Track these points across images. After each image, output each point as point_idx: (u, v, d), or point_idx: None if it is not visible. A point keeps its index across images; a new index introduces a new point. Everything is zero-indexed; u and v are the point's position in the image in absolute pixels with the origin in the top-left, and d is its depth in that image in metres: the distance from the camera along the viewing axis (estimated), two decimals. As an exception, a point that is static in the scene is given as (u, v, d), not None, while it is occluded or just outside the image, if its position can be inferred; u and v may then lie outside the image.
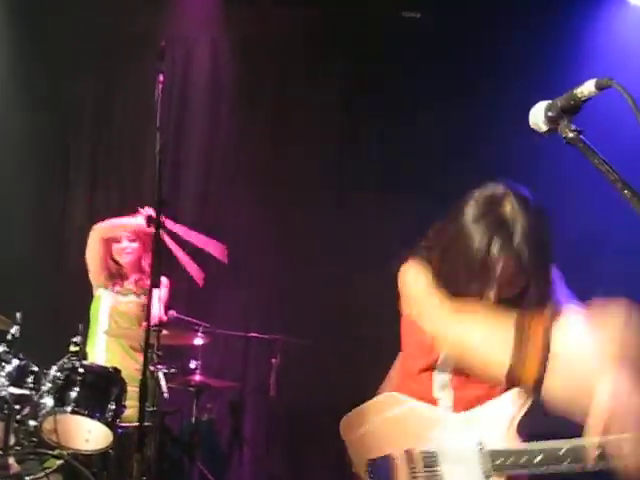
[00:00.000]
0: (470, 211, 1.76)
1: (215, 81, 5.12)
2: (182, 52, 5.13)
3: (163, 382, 3.18)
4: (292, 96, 5.06)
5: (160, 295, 3.87)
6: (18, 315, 3.19)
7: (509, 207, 1.72)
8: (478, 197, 1.79)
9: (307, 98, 5.02)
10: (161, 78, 3.17)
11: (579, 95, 1.23)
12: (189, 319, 4.06)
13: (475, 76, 4.71)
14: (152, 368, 3.22)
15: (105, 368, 3.42)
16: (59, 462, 3.20)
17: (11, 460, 3.01)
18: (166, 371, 3.24)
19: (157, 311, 3.74)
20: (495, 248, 1.70)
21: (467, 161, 4.40)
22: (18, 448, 3.20)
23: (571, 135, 1.23)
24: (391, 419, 2.05)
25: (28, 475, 3.03)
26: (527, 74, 4.55)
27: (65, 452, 3.22)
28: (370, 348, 4.58)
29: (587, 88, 1.21)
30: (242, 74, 5.12)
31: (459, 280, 1.80)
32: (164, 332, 3.48)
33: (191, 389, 3.79)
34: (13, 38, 5.17)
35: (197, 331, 3.81)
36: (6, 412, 3.02)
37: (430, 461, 1.87)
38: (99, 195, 5.14)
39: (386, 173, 4.92)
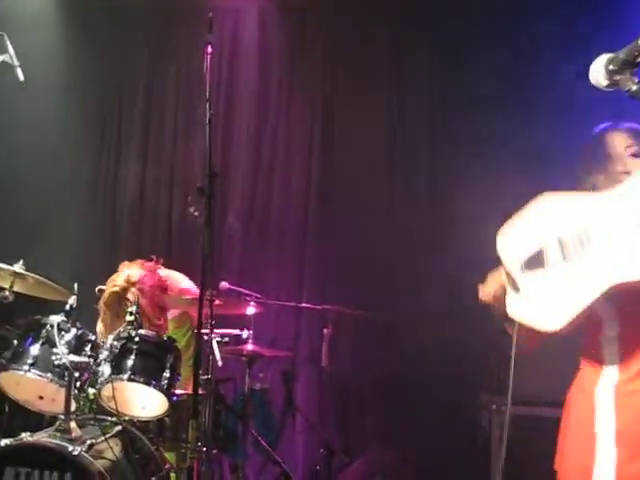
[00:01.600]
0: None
1: (263, 52, 5.10)
2: (230, 23, 5.11)
3: (217, 350, 3.21)
4: (341, 66, 5.01)
5: None
6: (75, 286, 3.27)
7: None
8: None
9: (357, 67, 4.95)
10: (209, 50, 3.17)
11: (643, 45, 1.18)
12: (241, 290, 4.09)
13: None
14: (206, 337, 3.25)
15: (160, 337, 3.47)
16: (117, 428, 3.29)
17: (72, 424, 3.10)
18: (219, 339, 3.27)
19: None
20: None
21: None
22: (79, 413, 3.31)
23: (634, 88, 1.19)
24: None
25: (89, 439, 3.12)
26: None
27: (123, 418, 3.31)
28: (422, 319, 4.57)
29: (652, 38, 1.16)
30: (291, 44, 5.08)
31: None
32: (217, 302, 3.52)
33: (244, 358, 3.83)
34: (62, 17, 5.25)
35: (249, 301, 3.83)
36: (67, 379, 3.11)
37: None
38: (150, 168, 5.19)
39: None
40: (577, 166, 2.13)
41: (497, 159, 4.39)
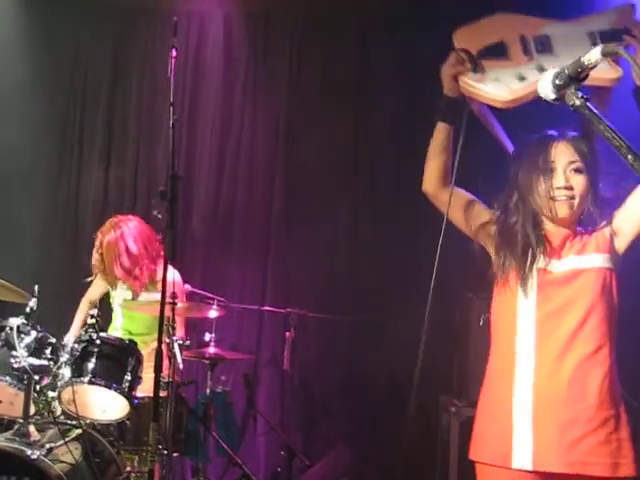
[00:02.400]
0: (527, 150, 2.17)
1: (228, 56, 5.11)
2: (195, 28, 5.11)
3: (178, 353, 3.22)
4: (306, 71, 5.03)
5: None
6: (36, 288, 3.25)
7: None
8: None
9: (322, 72, 4.99)
10: (174, 53, 3.18)
11: (586, 62, 1.24)
12: (204, 293, 4.10)
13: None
14: (167, 340, 3.26)
15: (122, 340, 3.47)
16: (77, 431, 3.28)
17: (31, 428, 3.08)
18: (181, 342, 3.28)
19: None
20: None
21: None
22: (38, 417, 3.29)
23: (578, 102, 1.24)
24: None
25: (48, 443, 3.10)
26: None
27: (83, 422, 3.29)
28: (384, 322, 4.62)
29: (594, 55, 1.21)
30: (255, 49, 5.10)
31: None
32: (179, 305, 3.53)
33: (206, 361, 3.84)
34: (23, 14, 5.20)
35: (211, 305, 3.85)
36: (26, 382, 3.09)
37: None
38: (113, 169, 5.17)
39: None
40: (515, 161, 2.22)
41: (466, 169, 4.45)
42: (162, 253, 3.78)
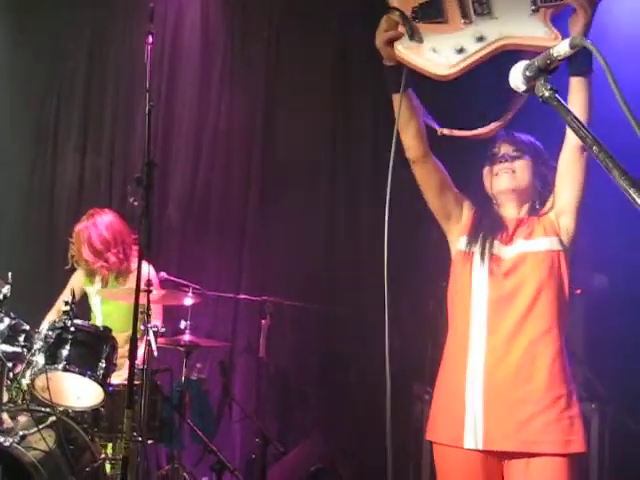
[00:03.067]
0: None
1: (205, 44, 5.07)
2: (172, 14, 5.08)
3: (153, 341, 3.22)
4: (284, 59, 5.02)
5: None
6: (9, 275, 3.23)
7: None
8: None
9: (301, 60, 4.97)
10: (150, 39, 3.16)
11: (555, 54, 1.25)
12: (179, 280, 4.09)
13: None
14: (142, 327, 3.26)
15: (96, 327, 3.47)
16: (51, 418, 3.27)
17: (4, 415, 3.07)
18: (156, 330, 3.28)
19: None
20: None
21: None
22: (11, 405, 3.28)
23: (547, 94, 1.26)
24: None
25: (21, 430, 3.09)
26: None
27: (57, 409, 3.29)
28: (359, 310, 4.65)
29: (562, 48, 1.23)
30: (233, 36, 5.07)
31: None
32: (155, 292, 3.53)
33: (181, 349, 3.84)
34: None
35: (187, 292, 3.84)
36: (-1, 369, 3.08)
37: None
38: (89, 156, 5.13)
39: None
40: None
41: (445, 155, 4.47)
42: (135, 249, 3.90)
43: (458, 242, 2.27)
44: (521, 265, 2.15)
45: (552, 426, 2.04)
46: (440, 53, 2.01)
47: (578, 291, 3.83)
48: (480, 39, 1.99)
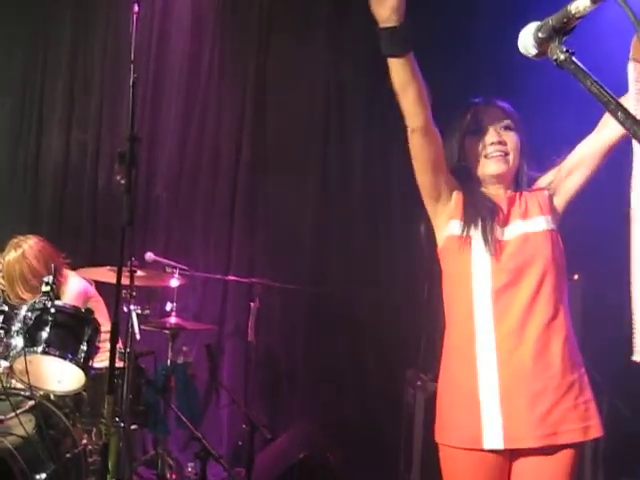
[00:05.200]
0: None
1: (196, 17, 4.92)
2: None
3: (136, 323, 3.10)
4: (275, 33, 4.87)
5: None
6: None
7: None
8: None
9: (293, 32, 4.83)
10: (136, 9, 3.03)
11: (573, 12, 1.12)
12: (166, 261, 3.97)
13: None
14: (125, 309, 3.14)
15: (77, 308, 3.35)
16: (31, 403, 3.17)
17: (-21, 400, 2.96)
18: (139, 312, 3.16)
19: None
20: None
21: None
22: (-12, 388, 3.17)
23: (562, 57, 1.13)
24: None
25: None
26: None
27: (37, 393, 3.18)
28: (350, 294, 4.55)
29: (582, 3, 1.10)
30: (224, 10, 4.92)
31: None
32: (139, 273, 3.41)
33: (166, 331, 3.73)
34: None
35: (173, 273, 3.73)
36: (-25, 352, 2.97)
37: None
38: (75, 132, 4.99)
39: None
40: (448, 132, 2.15)
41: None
42: (65, 269, 3.75)
43: (448, 226, 2.08)
44: (523, 247, 2.01)
45: (570, 414, 1.95)
46: None
47: (575, 276, 3.74)
48: None
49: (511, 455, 1.98)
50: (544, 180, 2.13)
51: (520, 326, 1.97)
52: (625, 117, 0.96)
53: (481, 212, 2.05)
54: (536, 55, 1.22)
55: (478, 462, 1.98)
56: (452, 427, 2.04)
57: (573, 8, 1.12)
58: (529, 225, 2.04)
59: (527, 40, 1.22)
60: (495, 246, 2.01)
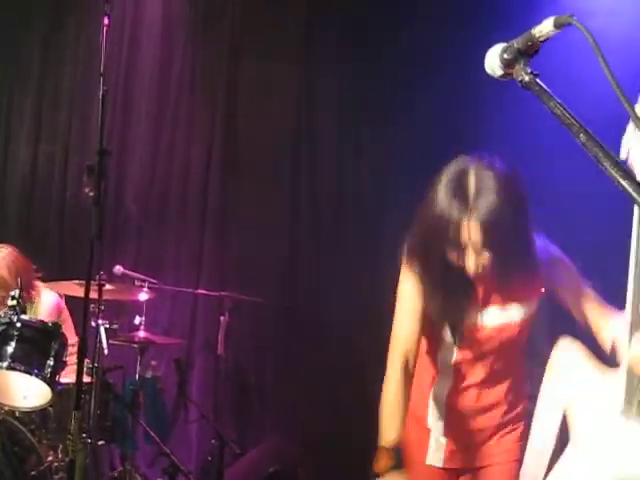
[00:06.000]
0: (440, 189, 1.86)
1: (167, 27, 4.90)
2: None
3: (104, 337, 3.07)
4: (247, 43, 4.87)
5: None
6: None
7: (472, 180, 1.83)
8: (446, 173, 1.88)
9: (265, 45, 4.83)
10: (106, 21, 3.03)
11: (537, 35, 1.14)
12: (135, 274, 3.94)
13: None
14: (93, 323, 3.11)
15: (44, 323, 3.31)
16: (-5, 419, 3.12)
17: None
18: (107, 326, 3.14)
19: None
20: (460, 217, 1.81)
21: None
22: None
23: (527, 78, 1.15)
24: None
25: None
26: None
27: (1, 409, 3.14)
28: (320, 307, 4.55)
29: (545, 27, 1.12)
30: (196, 19, 4.91)
31: (438, 251, 1.89)
32: (107, 287, 3.38)
33: (135, 346, 3.70)
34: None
35: (142, 287, 3.70)
36: (-62, 367, 2.92)
37: None
38: (43, 143, 4.94)
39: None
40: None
41: (410, 142, 4.37)
42: (37, 282, 3.70)
43: None
44: None
45: (505, 438, 2.15)
46: None
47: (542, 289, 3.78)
48: None
49: (457, 472, 2.19)
50: None
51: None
52: (587, 139, 0.98)
53: None
54: (502, 76, 1.24)
55: (424, 473, 2.18)
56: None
57: (537, 32, 1.14)
58: None
59: (493, 61, 1.24)
60: None
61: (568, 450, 1.74)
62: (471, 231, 1.81)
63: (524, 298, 2.03)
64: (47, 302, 3.70)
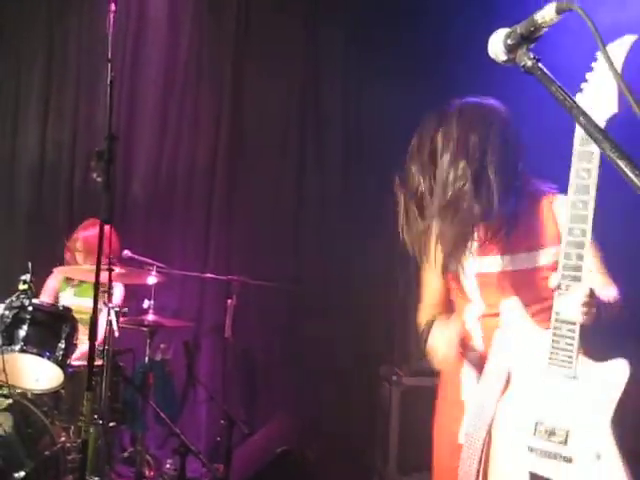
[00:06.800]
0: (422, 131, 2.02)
1: (173, 14, 4.91)
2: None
3: (114, 320, 3.11)
4: (254, 30, 4.88)
5: None
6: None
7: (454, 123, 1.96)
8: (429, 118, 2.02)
9: (270, 32, 4.84)
10: (112, 7, 3.03)
11: (539, 21, 1.17)
12: (143, 259, 3.98)
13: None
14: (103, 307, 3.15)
15: (55, 306, 3.36)
16: (8, 401, 3.16)
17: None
18: (117, 310, 3.18)
19: None
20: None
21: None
22: (-34, 387, 3.16)
23: (529, 63, 1.17)
24: None
25: (-24, 414, 2.99)
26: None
27: (14, 391, 3.18)
28: (326, 291, 4.59)
29: (547, 13, 1.15)
30: (202, 7, 4.92)
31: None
32: (117, 271, 3.42)
33: (144, 329, 3.74)
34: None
35: (150, 271, 3.74)
36: (-48, 350, 2.97)
37: None
38: (51, 129, 4.96)
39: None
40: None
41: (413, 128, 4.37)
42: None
43: None
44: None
45: None
46: None
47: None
48: None
49: None
50: None
51: None
52: (586, 122, 1.01)
53: None
54: (505, 61, 1.26)
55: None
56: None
57: (539, 17, 1.16)
58: None
59: (497, 47, 1.26)
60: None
61: (500, 404, 1.82)
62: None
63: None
64: (119, 290, 3.85)
